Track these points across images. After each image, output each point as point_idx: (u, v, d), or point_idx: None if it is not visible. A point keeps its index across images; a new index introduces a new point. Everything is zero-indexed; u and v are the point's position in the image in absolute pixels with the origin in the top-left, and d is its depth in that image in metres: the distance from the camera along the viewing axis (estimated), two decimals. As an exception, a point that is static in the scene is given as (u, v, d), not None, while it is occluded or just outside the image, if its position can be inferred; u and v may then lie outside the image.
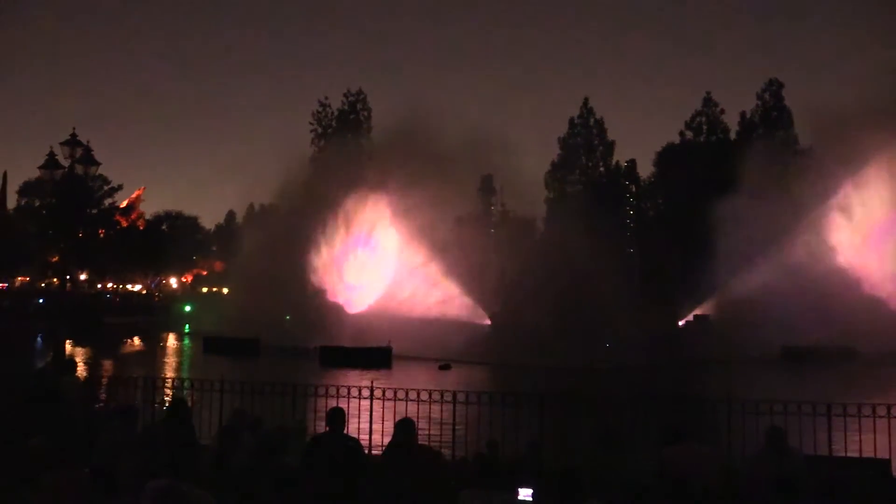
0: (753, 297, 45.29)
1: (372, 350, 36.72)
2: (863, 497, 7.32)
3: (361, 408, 12.45)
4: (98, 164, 20.10)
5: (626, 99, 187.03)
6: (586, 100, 76.93)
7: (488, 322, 47.87)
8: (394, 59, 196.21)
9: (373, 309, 49.56)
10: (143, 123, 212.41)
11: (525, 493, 6.90)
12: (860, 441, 11.88)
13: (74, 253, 60.17)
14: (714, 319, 48.41)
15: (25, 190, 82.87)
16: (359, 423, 12.18)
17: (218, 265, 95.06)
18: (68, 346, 27.95)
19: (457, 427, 12.39)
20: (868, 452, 11.11)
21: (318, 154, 72.21)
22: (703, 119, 72.86)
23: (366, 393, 12.34)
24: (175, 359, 41.87)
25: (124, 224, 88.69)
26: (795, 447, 8.94)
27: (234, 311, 48.33)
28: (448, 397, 12.16)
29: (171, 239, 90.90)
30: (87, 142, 19.51)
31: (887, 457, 10.73)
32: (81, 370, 27.21)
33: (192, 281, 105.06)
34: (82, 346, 39.99)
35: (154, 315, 68.12)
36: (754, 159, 50.00)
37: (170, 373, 32.73)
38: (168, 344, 50.48)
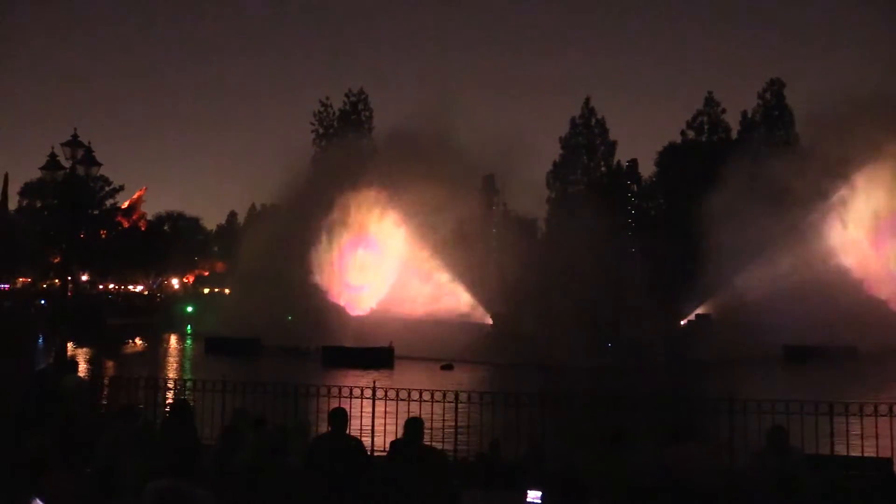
0: (755, 297, 45.29)
1: (374, 350, 36.71)
2: (864, 497, 7.32)
3: (363, 408, 12.46)
4: (99, 164, 20.12)
5: (627, 99, 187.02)
6: (587, 100, 76.94)
7: (490, 322, 47.85)
8: (395, 59, 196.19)
9: (375, 312, 49.55)
10: (145, 124, 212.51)
11: (534, 496, 6.89)
12: (862, 440, 11.90)
13: (76, 254, 60.28)
14: (716, 319, 48.37)
15: (27, 191, 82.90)
16: (360, 423, 12.20)
17: (219, 266, 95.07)
18: (70, 347, 27.94)
19: (459, 427, 12.40)
20: (870, 452, 11.12)
21: (320, 153, 72.24)
22: (705, 118, 72.81)
23: (367, 393, 12.35)
24: (177, 359, 41.90)
25: (126, 225, 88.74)
26: (797, 446, 8.94)
27: (236, 312, 48.31)
28: (450, 397, 12.17)
29: (172, 239, 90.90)
30: (89, 142, 19.56)
31: (889, 456, 10.75)
32: (83, 371, 27.25)
33: (193, 281, 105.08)
34: (84, 346, 39.98)
35: (156, 315, 68.15)
36: (756, 159, 49.99)
37: (171, 373, 32.76)
38: (170, 344, 50.50)
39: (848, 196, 48.88)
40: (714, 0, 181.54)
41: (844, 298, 43.41)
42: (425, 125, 50.71)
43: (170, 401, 13.87)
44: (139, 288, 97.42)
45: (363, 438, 10.00)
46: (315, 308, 47.78)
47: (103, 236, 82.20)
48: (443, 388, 12.69)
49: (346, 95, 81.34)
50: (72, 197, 23.20)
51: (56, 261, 71.43)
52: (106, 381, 15.92)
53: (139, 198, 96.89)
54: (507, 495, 7.06)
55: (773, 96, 70.82)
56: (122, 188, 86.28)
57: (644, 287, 56.96)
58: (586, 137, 75.88)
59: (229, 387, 12.97)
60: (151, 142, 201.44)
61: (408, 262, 51.09)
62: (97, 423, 10.27)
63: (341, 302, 50.86)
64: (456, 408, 12.20)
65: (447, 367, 33.48)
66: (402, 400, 11.89)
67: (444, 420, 12.42)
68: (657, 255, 58.08)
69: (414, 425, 8.34)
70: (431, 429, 11.99)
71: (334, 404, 10.39)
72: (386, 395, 12.27)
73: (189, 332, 57.15)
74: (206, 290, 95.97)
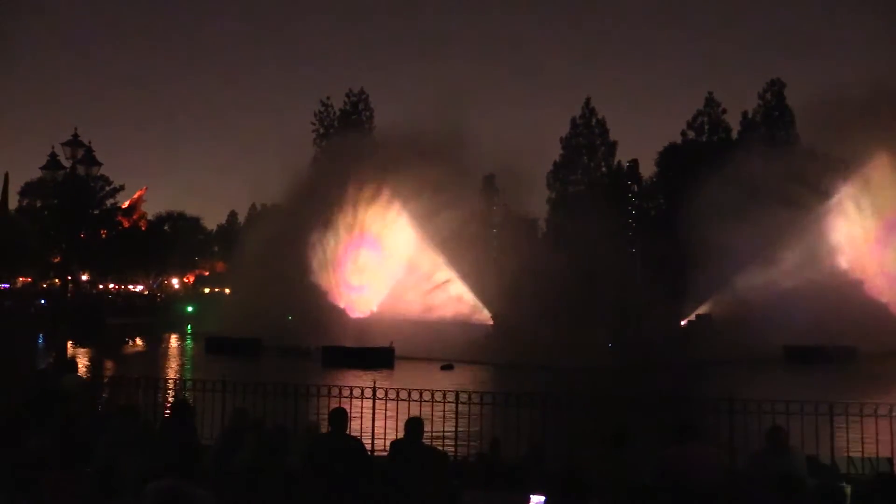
0: (755, 297, 45.30)
1: (374, 350, 36.69)
2: (864, 497, 7.31)
3: (363, 408, 12.46)
4: (100, 164, 20.14)
5: (627, 99, 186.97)
6: (588, 100, 77.01)
7: (490, 322, 47.84)
8: (395, 59, 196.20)
9: (375, 314, 49.48)
10: (145, 124, 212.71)
11: (537, 501, 6.87)
12: (862, 440, 11.89)
13: (76, 253, 60.29)
14: (716, 319, 48.37)
15: (27, 190, 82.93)
16: (361, 423, 12.19)
17: (220, 265, 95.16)
18: (70, 347, 27.98)
19: (459, 427, 12.40)
20: (870, 452, 11.12)
21: (321, 153, 72.34)
22: (705, 119, 72.88)
23: (368, 393, 12.34)
24: (177, 359, 41.88)
25: (126, 224, 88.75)
26: (796, 447, 8.94)
27: (236, 312, 48.31)
28: (450, 398, 12.17)
29: (172, 239, 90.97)
30: (89, 142, 19.60)
31: (889, 456, 10.75)
32: (83, 370, 27.26)
33: (194, 281, 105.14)
34: (84, 346, 39.97)
35: (156, 315, 68.16)
36: (756, 159, 49.98)
37: (171, 373, 32.76)
38: (170, 344, 50.49)
39: (847, 196, 48.83)
40: (714, 0, 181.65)
41: (844, 299, 43.43)
42: (427, 125, 50.78)
43: (170, 401, 13.87)
44: (139, 288, 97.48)
45: (363, 439, 10.00)
46: (315, 308, 47.79)
47: (103, 236, 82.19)
48: (443, 389, 12.69)
49: (347, 95, 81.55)
50: (72, 197, 23.21)
51: (56, 260, 71.44)
52: (106, 381, 15.91)
53: (139, 197, 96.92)
54: (507, 495, 7.05)
55: (774, 96, 70.88)
56: (122, 188, 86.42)
57: (644, 287, 57.02)
58: (587, 138, 75.96)
59: (229, 387, 12.96)
60: (151, 142, 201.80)
61: (409, 261, 51.05)
62: (97, 423, 10.27)
63: (341, 304, 50.82)
64: (456, 408, 12.19)
65: (447, 367, 33.47)
66: (402, 400, 11.88)
67: (444, 420, 12.42)
68: (657, 255, 58.07)
69: (414, 425, 8.36)
70: (431, 429, 11.99)
71: (334, 404, 10.39)
72: (386, 396, 12.26)
73: (189, 331, 57.15)
74: (207, 290, 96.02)
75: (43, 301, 67.81)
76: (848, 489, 8.49)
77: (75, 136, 19.04)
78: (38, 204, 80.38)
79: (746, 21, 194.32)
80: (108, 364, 34.81)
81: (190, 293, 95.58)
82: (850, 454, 11.24)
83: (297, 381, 13.14)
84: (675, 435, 8.57)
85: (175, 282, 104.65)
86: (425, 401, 11.81)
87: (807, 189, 46.73)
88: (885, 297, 46.73)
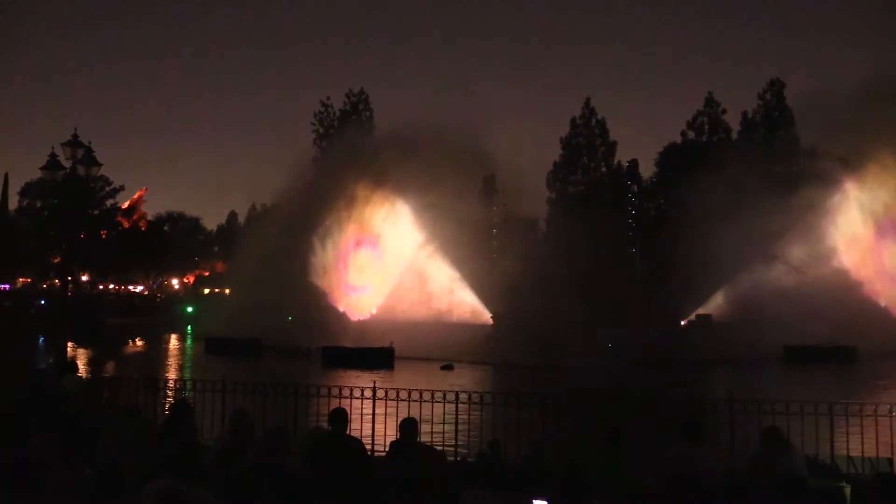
0: (755, 297, 45.31)
1: (374, 351, 36.68)
2: (864, 497, 7.32)
3: (363, 408, 12.46)
4: (99, 164, 20.11)
5: (627, 99, 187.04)
6: (588, 100, 76.93)
7: (490, 322, 47.85)
8: (395, 59, 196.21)
9: (375, 316, 49.42)
10: (145, 124, 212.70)
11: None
12: (862, 440, 11.89)
13: (76, 254, 60.22)
14: (716, 319, 48.37)
15: (27, 191, 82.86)
16: (361, 423, 12.20)
17: (220, 266, 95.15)
18: (70, 347, 27.99)
19: (459, 427, 12.40)
20: (870, 452, 11.12)
21: (322, 153, 72.30)
22: (705, 119, 72.79)
23: (368, 393, 12.35)
24: (177, 359, 41.87)
25: (126, 225, 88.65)
26: (795, 446, 8.94)
27: (236, 312, 48.32)
28: (450, 398, 12.17)
29: (172, 240, 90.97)
30: (89, 142, 19.57)
31: (889, 456, 10.75)
32: (83, 371, 27.26)
33: (194, 282, 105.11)
34: (84, 346, 39.98)
35: (156, 316, 68.16)
36: (756, 159, 50.01)
37: (171, 373, 32.76)
38: (170, 345, 50.48)
39: (847, 196, 48.81)
40: (714, 0, 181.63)
41: (844, 299, 43.47)
42: (425, 125, 50.81)
43: (170, 401, 13.87)
44: (139, 288, 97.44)
45: (363, 439, 10.00)
46: (315, 308, 47.82)
47: (103, 236, 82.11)
48: (443, 389, 12.69)
49: (347, 96, 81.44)
50: (72, 197, 23.21)
51: (56, 261, 71.43)
52: (106, 382, 15.91)
53: (139, 198, 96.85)
54: (507, 495, 7.05)
55: (774, 97, 70.76)
56: (122, 188, 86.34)
57: (644, 287, 57.04)
58: (586, 138, 75.87)
59: (229, 387, 12.97)
60: (151, 142, 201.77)
61: (411, 261, 51.01)
62: (97, 423, 10.26)
63: (342, 306, 50.74)
64: (456, 408, 12.20)
65: (447, 367, 33.48)
66: (402, 400, 11.89)
67: (444, 420, 12.42)
68: (657, 255, 58.08)
69: (407, 426, 8.35)
70: (431, 429, 12.02)
71: (334, 405, 10.40)
72: (386, 396, 12.27)
73: (189, 332, 57.14)
74: (207, 291, 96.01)
75: (43, 301, 67.81)
76: (848, 489, 8.51)
77: (75, 136, 19.02)
78: (38, 204, 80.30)
79: (746, 21, 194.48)
80: (109, 364, 34.82)
81: (190, 293, 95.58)
82: (850, 454, 11.23)
83: (296, 382, 13.15)
84: (678, 434, 8.58)
85: (175, 282, 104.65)
86: (425, 401, 11.82)
87: (806, 189, 46.69)
88: (884, 298, 46.70)
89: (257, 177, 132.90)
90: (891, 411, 11.01)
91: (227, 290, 74.43)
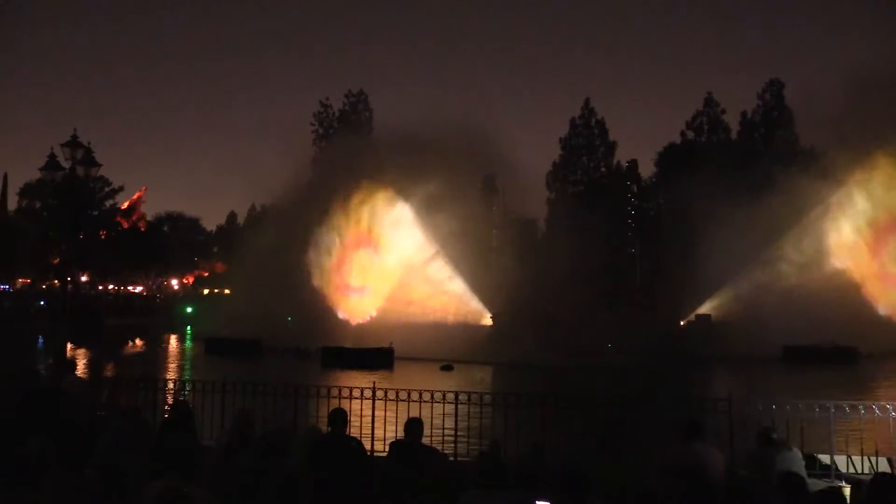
0: (755, 297, 45.35)
1: (373, 351, 36.67)
2: (863, 497, 7.31)
3: (363, 409, 12.46)
4: (99, 165, 20.06)
5: (627, 99, 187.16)
6: (587, 100, 77.01)
7: (490, 322, 47.85)
8: (394, 59, 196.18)
9: (376, 318, 49.27)
10: (145, 124, 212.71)
11: None
12: (862, 440, 11.89)
13: (75, 254, 60.18)
14: (716, 319, 48.39)
15: (26, 191, 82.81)
16: (360, 423, 12.19)
17: (219, 266, 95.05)
18: (69, 348, 27.94)
19: (459, 427, 12.39)
20: (870, 452, 11.12)
21: (321, 153, 72.33)
22: (705, 119, 72.86)
23: (367, 394, 12.34)
24: (176, 360, 41.86)
25: (125, 225, 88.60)
26: (795, 446, 8.95)
27: (236, 313, 48.31)
28: (450, 398, 12.17)
29: (172, 240, 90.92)
30: (88, 143, 19.49)
31: (889, 456, 10.75)
32: (83, 371, 27.23)
33: (193, 282, 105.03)
34: (83, 347, 39.97)
35: (155, 316, 68.13)
36: (755, 159, 50.03)
37: (171, 374, 32.74)
38: (169, 345, 50.46)
39: (846, 196, 48.77)
40: (714, 0, 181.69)
41: (843, 300, 43.53)
42: (424, 125, 50.79)
43: (169, 401, 13.86)
44: (139, 289, 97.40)
45: (363, 439, 9.99)
46: (315, 310, 47.83)
47: (103, 237, 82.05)
48: (443, 389, 12.69)
49: (346, 96, 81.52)
50: (71, 198, 23.18)
51: (55, 261, 71.35)
52: (105, 382, 15.89)
53: (139, 198, 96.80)
54: (507, 495, 7.02)
55: (773, 97, 70.82)
56: (121, 189, 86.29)
57: (644, 287, 57.09)
58: (586, 138, 75.95)
59: (229, 387, 12.96)
60: (151, 142, 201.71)
61: (411, 261, 50.93)
62: (97, 423, 10.26)
63: (341, 310, 50.56)
64: (456, 408, 12.20)
65: (447, 367, 33.47)
66: (402, 401, 11.89)
67: (443, 420, 12.42)
68: (657, 255, 58.12)
69: (414, 425, 8.35)
70: (431, 429, 12.00)
71: (334, 405, 10.39)
72: (386, 396, 12.27)
73: (189, 332, 57.12)
74: (206, 291, 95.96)
75: (42, 302, 67.80)
76: (847, 489, 8.50)
77: (74, 136, 18.99)
78: (38, 205, 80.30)
79: (746, 21, 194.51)
80: (108, 365, 34.81)
81: (189, 294, 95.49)
82: (850, 454, 11.24)
83: (296, 382, 13.14)
84: (678, 434, 8.58)
85: (174, 283, 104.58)
86: (425, 401, 11.82)
87: (806, 189, 46.68)
88: (881, 301, 46.62)
89: (257, 177, 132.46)
90: (891, 411, 11.00)
91: (227, 291, 74.40)
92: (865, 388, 27.97)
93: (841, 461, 10.78)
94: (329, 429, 8.57)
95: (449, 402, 12.15)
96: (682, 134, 73.28)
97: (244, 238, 63.35)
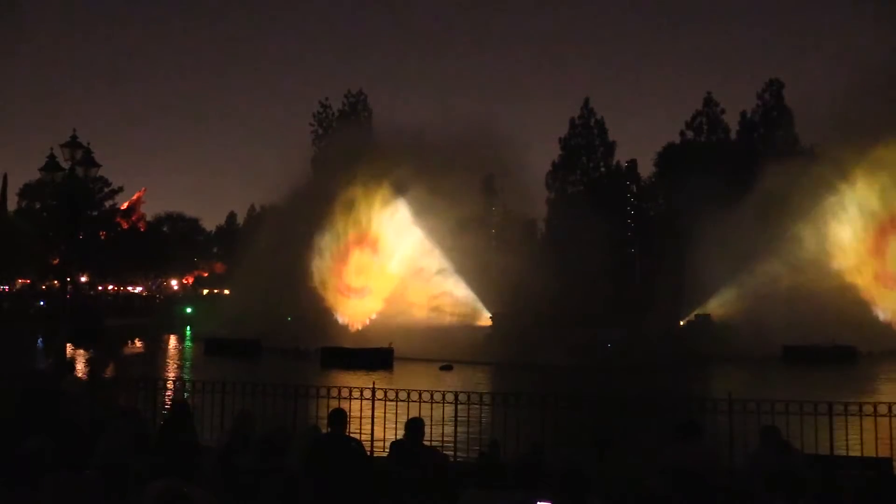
0: (754, 297, 45.32)
1: (373, 351, 36.66)
2: (863, 497, 7.31)
3: (363, 409, 12.46)
4: (98, 165, 20.03)
5: (626, 99, 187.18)
6: (587, 100, 76.94)
7: (490, 322, 47.84)
8: (394, 59, 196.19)
9: (375, 320, 49.11)
10: (144, 125, 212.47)
11: None
12: (861, 440, 11.90)
13: (75, 255, 60.19)
14: (715, 319, 48.38)
15: (26, 192, 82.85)
16: (360, 424, 12.20)
17: (219, 267, 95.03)
18: (69, 348, 27.94)
19: (459, 428, 12.39)
20: (869, 452, 11.12)
21: (320, 153, 72.31)
22: (704, 119, 72.81)
23: (367, 394, 12.34)
24: (176, 360, 41.85)
25: (125, 226, 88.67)
26: (795, 446, 8.95)
27: (236, 313, 48.29)
28: (449, 398, 12.17)
29: (171, 240, 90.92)
30: (88, 143, 19.44)
31: (888, 456, 10.75)
32: (82, 371, 27.24)
33: (192, 282, 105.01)
34: (83, 347, 39.96)
35: (155, 317, 68.12)
36: (755, 159, 50.02)
37: (171, 374, 32.74)
38: (169, 346, 50.45)
39: (845, 197, 48.69)
40: (714, 0, 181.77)
41: (842, 301, 43.53)
42: (424, 126, 50.80)
43: (169, 402, 13.86)
44: (138, 289, 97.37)
45: (363, 440, 10.00)
46: (314, 311, 47.81)
47: (102, 237, 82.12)
48: (442, 389, 12.69)
49: (346, 96, 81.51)
50: (71, 198, 23.15)
51: (55, 262, 71.39)
52: (105, 382, 15.89)
53: (138, 199, 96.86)
54: (507, 495, 7.02)
55: (773, 97, 70.77)
56: (121, 189, 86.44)
57: (644, 287, 57.03)
58: (585, 138, 75.88)
59: (229, 387, 12.96)
60: (150, 143, 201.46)
61: (411, 261, 50.87)
62: (97, 423, 10.26)
63: (340, 314, 50.41)
64: (455, 408, 12.20)
65: (446, 367, 33.48)
66: (401, 401, 11.89)
67: (443, 420, 12.42)
68: (656, 255, 58.08)
69: (414, 425, 8.35)
70: (431, 429, 12.01)
71: (334, 405, 10.39)
72: (385, 396, 12.27)
73: (188, 333, 57.11)
74: (206, 292, 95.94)
75: (42, 302, 67.79)
76: (846, 489, 8.49)
77: (74, 137, 18.96)
78: (37, 205, 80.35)
79: (746, 21, 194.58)
80: (108, 365, 34.80)
81: (189, 294, 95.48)
82: (850, 454, 11.24)
83: (296, 382, 13.15)
84: (677, 433, 8.58)
85: (174, 283, 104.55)
86: (425, 401, 11.82)
87: (805, 189, 46.67)
88: (880, 305, 46.52)
89: (257, 177, 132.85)
90: (890, 411, 11.00)
91: (227, 291, 74.40)
92: (865, 387, 27.95)
93: (841, 461, 10.77)
94: (329, 429, 8.57)
95: (449, 403, 12.16)
96: (682, 134, 73.26)
97: (244, 238, 63.30)
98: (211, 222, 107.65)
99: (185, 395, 14.01)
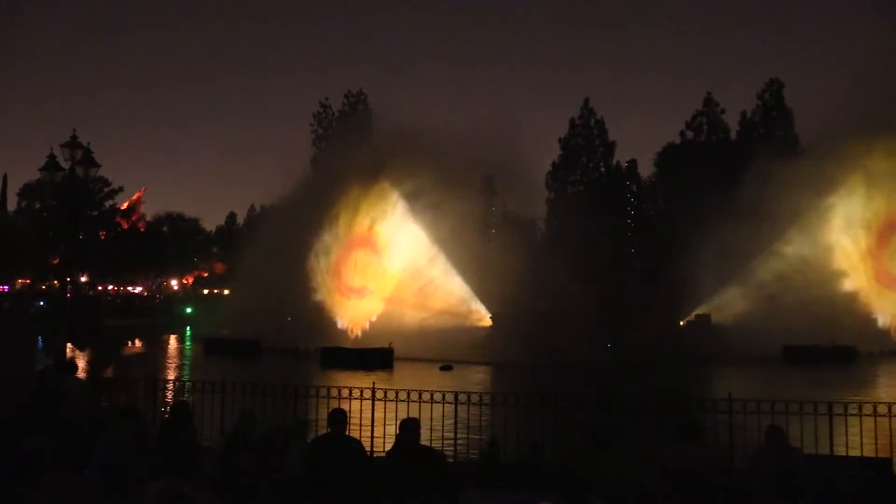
0: (754, 297, 45.31)
1: (373, 351, 36.67)
2: (863, 497, 7.32)
3: (363, 409, 12.46)
4: (98, 165, 20.01)
5: (626, 99, 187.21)
6: (587, 100, 76.83)
7: (489, 322, 47.81)
8: (394, 59, 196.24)
9: (375, 324, 48.87)
10: (144, 125, 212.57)
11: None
12: (861, 440, 11.89)
13: (75, 255, 60.14)
14: (715, 319, 48.37)
15: (26, 192, 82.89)
16: (360, 424, 12.19)
17: (219, 267, 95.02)
18: (69, 349, 27.93)
19: (459, 427, 12.39)
20: (869, 452, 11.12)
21: (320, 154, 72.28)
22: (704, 119, 72.73)
23: (367, 394, 12.34)
24: (176, 360, 41.85)
25: (125, 226, 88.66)
26: (796, 446, 8.94)
27: (235, 313, 48.25)
28: (449, 398, 12.17)
29: (171, 240, 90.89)
30: (88, 143, 19.42)
31: (888, 456, 10.75)
32: (83, 372, 27.21)
33: (192, 282, 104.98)
34: (83, 348, 39.95)
35: (155, 317, 68.13)
36: (754, 159, 49.98)
37: (171, 374, 32.74)
38: (169, 346, 50.45)
39: (844, 197, 48.65)
40: (714, 0, 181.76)
41: (842, 300, 43.53)
42: (424, 126, 50.73)
43: (169, 402, 13.86)
44: (138, 289, 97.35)
45: (363, 439, 9.99)
46: (314, 313, 47.74)
47: (102, 237, 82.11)
48: (442, 389, 12.69)
49: (346, 97, 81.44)
50: (71, 198, 23.13)
51: (55, 262, 71.42)
52: (105, 383, 15.87)
53: (138, 199, 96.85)
54: (507, 495, 7.03)
55: (773, 97, 70.71)
56: (121, 189, 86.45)
57: (643, 287, 56.97)
58: (585, 138, 75.79)
59: (229, 387, 12.96)
60: (151, 142, 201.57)
61: (411, 261, 50.78)
62: (97, 424, 10.27)
63: (339, 317, 50.25)
64: (455, 408, 12.20)
65: (446, 367, 33.47)
66: (401, 401, 11.88)
67: (443, 420, 12.42)
68: (656, 255, 58.06)
69: (409, 425, 8.34)
70: (431, 429, 12.01)
71: (334, 405, 10.39)
72: (385, 396, 12.26)
73: (188, 333, 57.10)
74: (206, 292, 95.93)
75: (42, 303, 67.81)
76: (846, 489, 8.50)
77: (74, 137, 18.94)
78: (37, 205, 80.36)
79: (746, 21, 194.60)
80: (108, 365, 34.80)
81: (189, 294, 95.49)
82: (850, 454, 11.23)
83: (296, 382, 13.14)
84: (677, 433, 8.58)
85: (174, 283, 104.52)
86: (424, 401, 11.81)
87: (804, 189, 46.63)
88: (879, 310, 46.47)
89: (256, 177, 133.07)
90: (890, 411, 11.00)
91: (226, 291, 74.42)
92: (865, 387, 27.97)
93: (841, 461, 10.77)
94: (329, 429, 8.57)
95: (449, 403, 12.15)
96: (682, 134, 73.19)
97: (244, 238, 63.32)
98: (211, 222, 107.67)
99: (185, 395, 14.01)
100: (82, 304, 65.62)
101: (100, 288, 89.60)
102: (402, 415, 9.73)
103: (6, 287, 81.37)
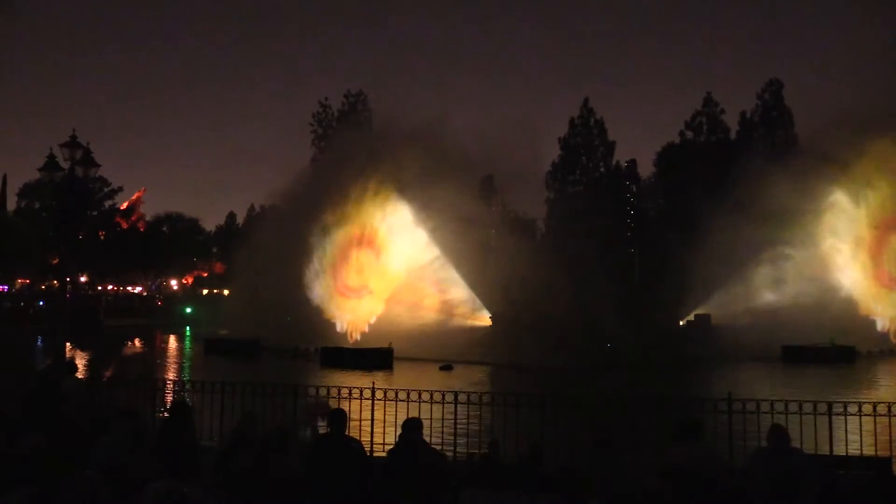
0: (754, 297, 45.31)
1: (373, 351, 36.65)
2: (863, 497, 7.32)
3: (362, 409, 12.45)
4: (98, 165, 20.00)
5: (626, 99, 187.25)
6: (586, 100, 76.84)
7: (489, 322, 47.75)
8: (394, 59, 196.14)
9: (374, 326, 48.72)
10: (144, 125, 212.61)
11: None
12: (861, 440, 11.89)
13: (74, 255, 60.19)
14: (715, 319, 48.37)
15: (26, 192, 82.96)
16: (360, 424, 12.19)
17: (218, 267, 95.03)
18: (68, 348, 27.94)
19: (459, 427, 12.38)
20: (869, 452, 11.12)
21: (320, 153, 72.29)
22: (704, 119, 72.74)
23: (367, 394, 12.34)
24: (176, 360, 41.86)
25: (124, 226, 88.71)
26: (797, 446, 8.94)
27: (235, 313, 48.22)
28: (449, 398, 12.17)
29: (171, 240, 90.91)
30: (87, 143, 19.43)
31: (888, 456, 10.75)
32: (82, 372, 27.20)
33: (192, 282, 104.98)
34: (82, 348, 39.95)
35: (155, 317, 68.13)
36: (754, 159, 50.00)
37: (171, 374, 32.75)
38: (169, 346, 50.43)
39: (843, 198, 48.64)
40: (713, 0, 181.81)
41: (841, 300, 43.52)
42: (424, 125, 50.71)
43: (169, 402, 13.85)
44: (138, 289, 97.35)
45: (362, 440, 9.99)
46: (314, 314, 47.71)
47: (102, 237, 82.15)
48: (442, 389, 12.69)
49: (346, 96, 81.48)
50: (70, 198, 23.14)
51: (55, 262, 71.40)
52: (105, 383, 15.87)
53: (138, 199, 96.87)
54: (506, 495, 7.02)
55: (772, 97, 70.75)
56: (120, 189, 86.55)
57: (644, 287, 56.97)
58: (585, 138, 75.79)
59: (229, 387, 12.96)
60: (151, 142, 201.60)
61: (411, 262, 50.72)
62: (96, 424, 10.26)
63: (339, 319, 50.15)
64: (455, 408, 12.19)
65: (446, 367, 33.47)
66: (401, 401, 11.88)
67: (443, 420, 12.41)
68: (656, 255, 58.05)
69: (412, 426, 8.35)
70: (431, 429, 12.01)
71: (333, 405, 10.39)
72: (385, 396, 12.26)
73: (188, 333, 57.09)
74: (205, 292, 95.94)
75: (42, 302, 67.83)
76: (846, 489, 8.50)
77: (73, 137, 18.95)
78: (37, 205, 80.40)
79: (746, 21, 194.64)
80: (107, 365, 34.79)
81: (188, 294, 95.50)
82: (850, 454, 11.23)
83: (296, 382, 13.15)
84: (677, 433, 8.58)
85: (174, 283, 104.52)
86: (424, 401, 11.81)
87: (804, 190, 46.63)
88: (878, 314, 46.43)
89: (256, 177, 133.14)
90: (889, 411, 11.00)
91: (226, 291, 74.42)
92: (865, 387, 27.99)
93: (841, 461, 10.78)
94: (329, 429, 8.57)
95: (449, 403, 12.15)
96: (682, 134, 73.19)
97: (244, 238, 63.25)
98: (211, 222, 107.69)
99: (185, 395, 14.00)
100: (82, 304, 65.68)
101: (99, 288, 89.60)
102: (402, 415, 9.74)
103: (6, 287, 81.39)
